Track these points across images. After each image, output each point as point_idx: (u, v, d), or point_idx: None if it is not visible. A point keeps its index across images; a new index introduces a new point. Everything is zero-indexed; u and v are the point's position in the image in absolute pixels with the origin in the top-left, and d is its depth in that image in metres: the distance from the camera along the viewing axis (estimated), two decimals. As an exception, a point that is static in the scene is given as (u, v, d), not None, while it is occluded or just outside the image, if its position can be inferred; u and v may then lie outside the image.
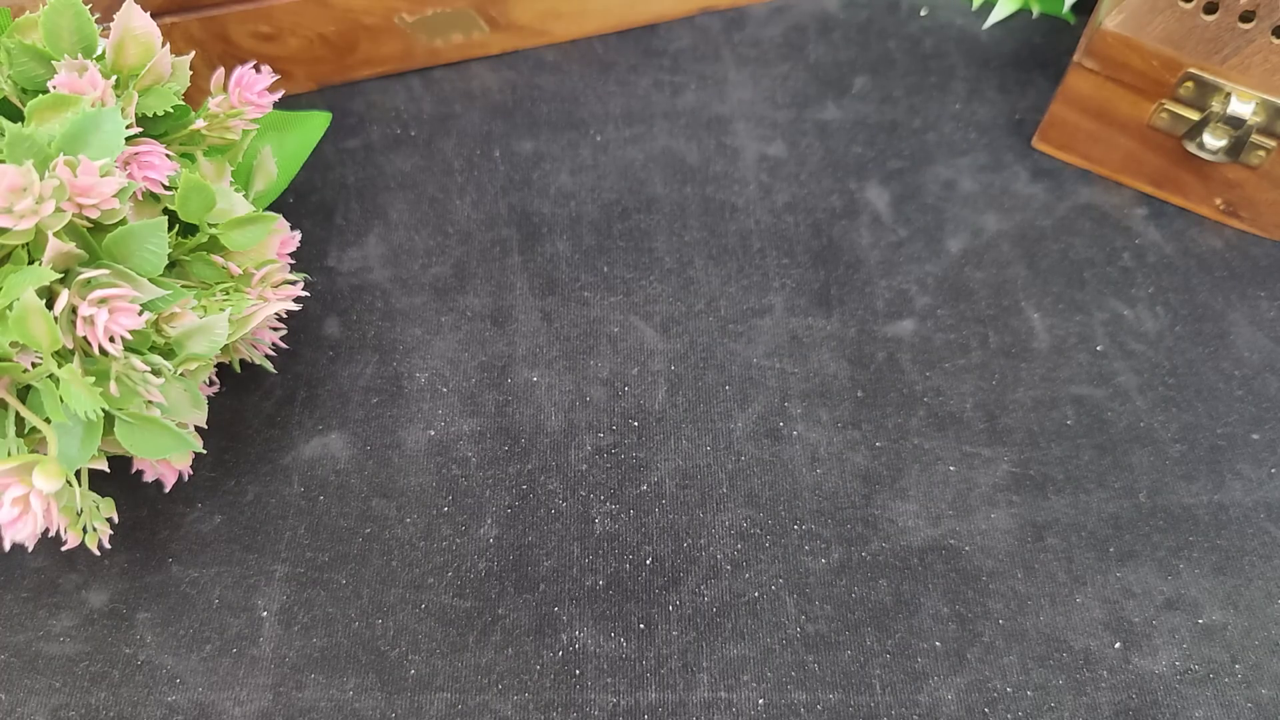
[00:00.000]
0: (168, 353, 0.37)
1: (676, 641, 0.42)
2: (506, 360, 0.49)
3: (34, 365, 0.35)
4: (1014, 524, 0.45)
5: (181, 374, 0.38)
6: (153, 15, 0.42)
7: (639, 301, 0.51)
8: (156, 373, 0.36)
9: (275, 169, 0.45)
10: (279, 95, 0.44)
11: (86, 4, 0.38)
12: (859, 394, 0.48)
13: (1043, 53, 0.61)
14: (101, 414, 0.34)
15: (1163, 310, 0.51)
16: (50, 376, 0.35)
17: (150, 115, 0.39)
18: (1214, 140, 0.50)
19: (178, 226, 0.40)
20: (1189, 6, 0.46)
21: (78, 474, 0.38)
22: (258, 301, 0.41)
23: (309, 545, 0.44)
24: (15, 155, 0.33)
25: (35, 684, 0.40)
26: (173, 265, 0.40)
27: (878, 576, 0.43)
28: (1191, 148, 0.51)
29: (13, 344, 0.34)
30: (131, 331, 0.34)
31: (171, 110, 0.39)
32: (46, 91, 0.37)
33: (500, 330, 0.50)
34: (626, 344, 0.50)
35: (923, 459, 0.46)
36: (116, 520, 0.43)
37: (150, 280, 0.36)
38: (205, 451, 0.45)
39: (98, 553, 0.43)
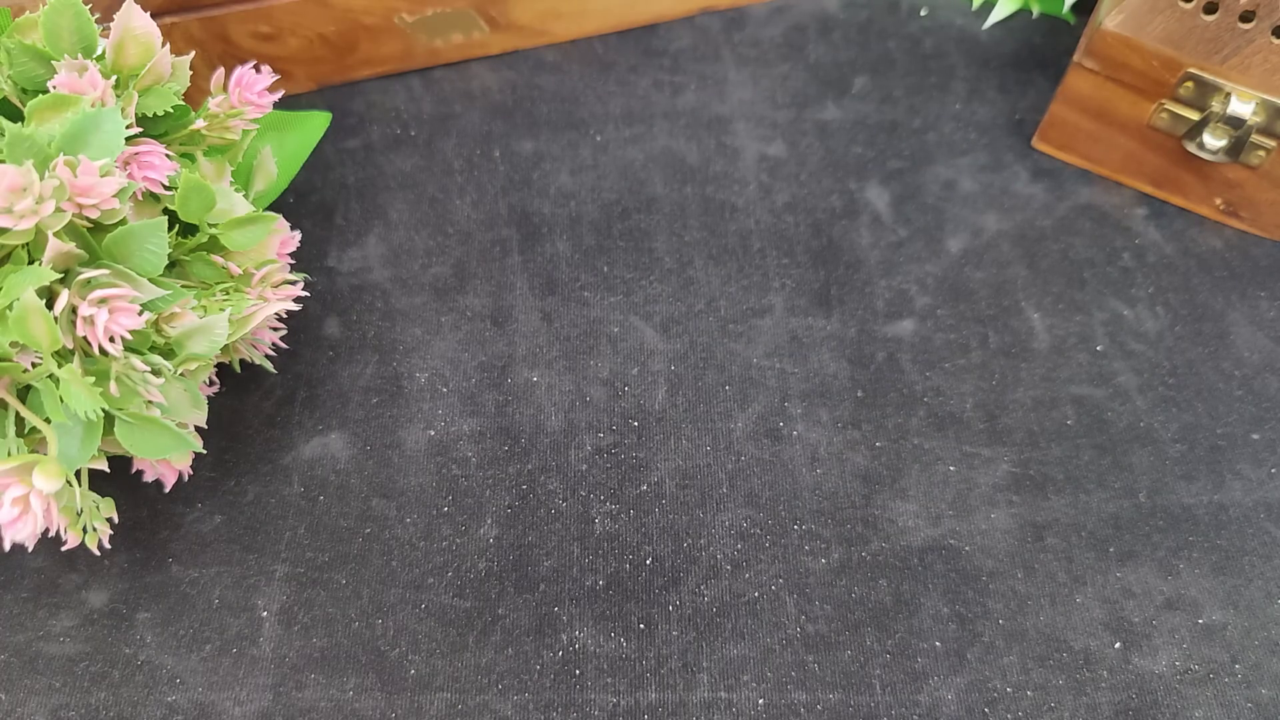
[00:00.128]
0: (168, 353, 0.37)
1: (676, 641, 0.42)
2: (506, 360, 0.49)
3: (34, 365, 0.35)
4: (1014, 524, 0.45)
5: (181, 374, 0.38)
6: (153, 15, 0.42)
7: (639, 301, 0.51)
8: (156, 373, 0.36)
9: (275, 169, 0.45)
10: (279, 95, 0.44)
11: (86, 4, 0.38)
12: (859, 394, 0.48)
13: (1043, 53, 0.61)
14: (101, 414, 0.34)
15: (1163, 310, 0.51)
16: (50, 376, 0.35)
17: (150, 115, 0.39)
18: (1214, 140, 0.50)
19: (178, 226, 0.40)
20: (1189, 6, 0.46)
21: (78, 474, 0.38)
22: (258, 301, 0.41)
23: (309, 545, 0.44)
24: (15, 155, 0.33)
25: (35, 684, 0.40)
26: (173, 265, 0.40)
27: (878, 576, 0.43)
28: (1191, 148, 0.51)
29: (13, 344, 0.34)
30: (131, 331, 0.34)
31: (171, 110, 0.39)
32: (46, 91, 0.37)
33: (500, 330, 0.50)
34: (626, 344, 0.50)
35: (923, 459, 0.46)
36: (116, 520, 0.43)
37: (150, 280, 0.36)
38: (205, 451, 0.45)
39: (98, 553, 0.43)
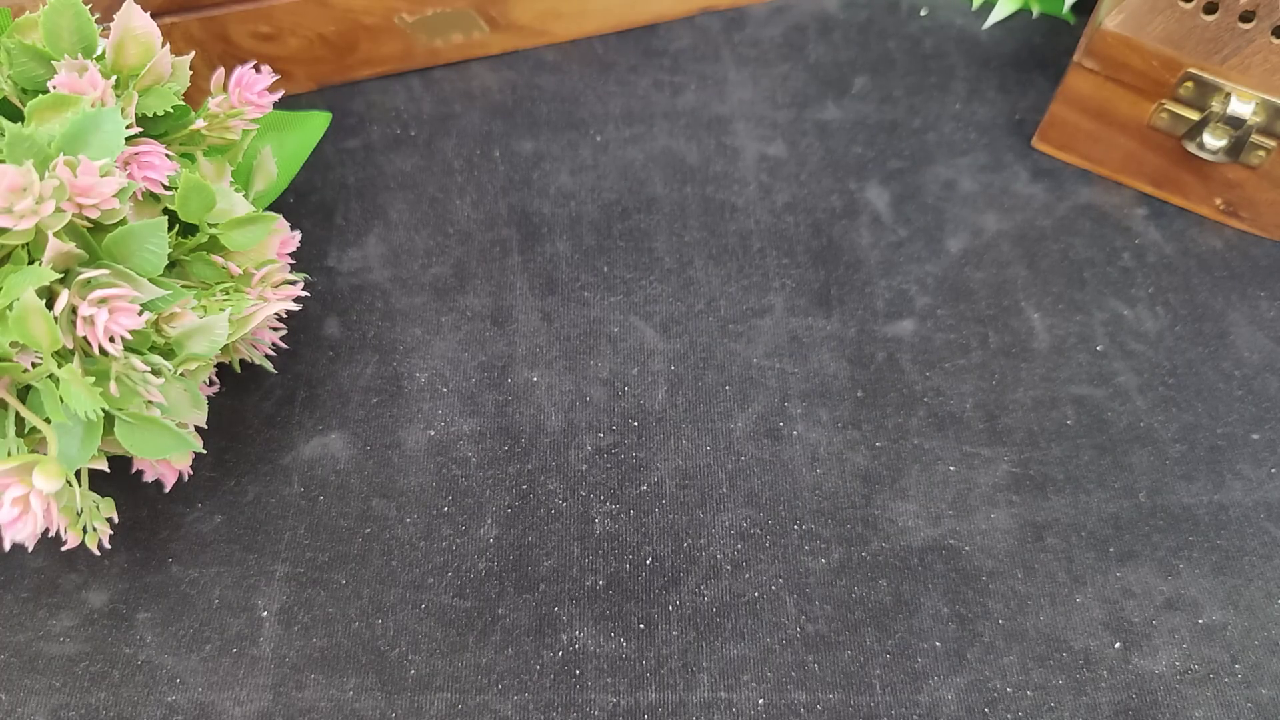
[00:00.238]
0: (168, 353, 0.37)
1: (676, 641, 0.42)
2: (506, 360, 0.49)
3: (34, 365, 0.35)
4: (1014, 524, 0.45)
5: (181, 374, 0.38)
6: (153, 15, 0.42)
7: (639, 301, 0.51)
8: (156, 373, 0.36)
9: (275, 169, 0.45)
10: (279, 95, 0.44)
11: (86, 4, 0.38)
12: (859, 394, 0.48)
13: (1043, 53, 0.61)
14: (101, 414, 0.34)
15: (1163, 310, 0.51)
16: (50, 376, 0.35)
17: (150, 115, 0.39)
18: (1214, 140, 0.50)
19: (178, 226, 0.40)
20: (1189, 6, 0.46)
21: (78, 474, 0.38)
22: (258, 301, 0.41)
23: (309, 545, 0.44)
24: (15, 155, 0.33)
25: (35, 684, 0.40)
26: (173, 265, 0.40)
27: (878, 576, 0.43)
28: (1191, 148, 0.51)
29: (13, 344, 0.34)
30: (131, 331, 0.34)
31: (171, 110, 0.39)
32: (46, 91, 0.37)
33: (500, 330, 0.50)
34: (626, 344, 0.50)
35: (923, 459, 0.46)
36: (116, 520, 0.43)
37: (150, 280, 0.36)
38: (205, 451, 0.45)
39: (98, 553, 0.43)
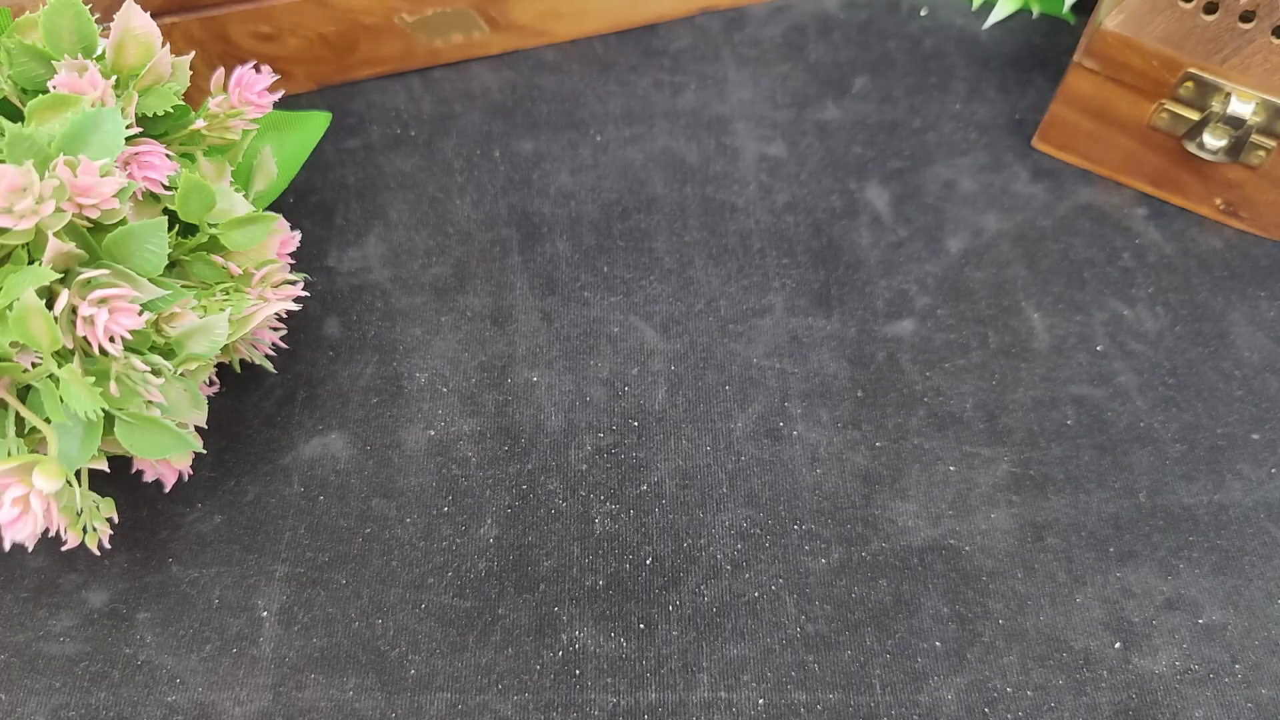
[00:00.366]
0: (168, 353, 0.37)
1: (676, 641, 0.42)
2: (506, 360, 0.49)
3: (34, 365, 0.35)
4: (1014, 524, 0.45)
5: (181, 374, 0.38)
6: (153, 15, 0.42)
7: (639, 301, 0.51)
8: (156, 373, 0.36)
9: (275, 169, 0.45)
10: (279, 95, 0.44)
11: (86, 4, 0.38)
12: (859, 394, 0.48)
13: (1043, 53, 0.61)
14: (101, 414, 0.34)
15: (1163, 310, 0.51)
16: (50, 376, 0.35)
17: (150, 115, 0.39)
18: (1214, 140, 0.50)
19: (178, 226, 0.40)
20: (1189, 6, 0.46)
21: (78, 474, 0.38)
22: (258, 301, 0.41)
23: (309, 545, 0.44)
24: (15, 155, 0.33)
25: (35, 684, 0.40)
26: (173, 265, 0.40)
27: (878, 576, 0.43)
28: (1191, 148, 0.51)
29: (13, 344, 0.34)
30: (131, 331, 0.34)
31: (171, 110, 0.39)
32: (46, 91, 0.37)
33: (500, 330, 0.50)
34: (626, 344, 0.50)
35: (923, 459, 0.46)
36: (116, 520, 0.43)
37: (150, 280, 0.36)
38: (205, 451, 0.45)
39: (98, 553, 0.43)
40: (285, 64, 0.56)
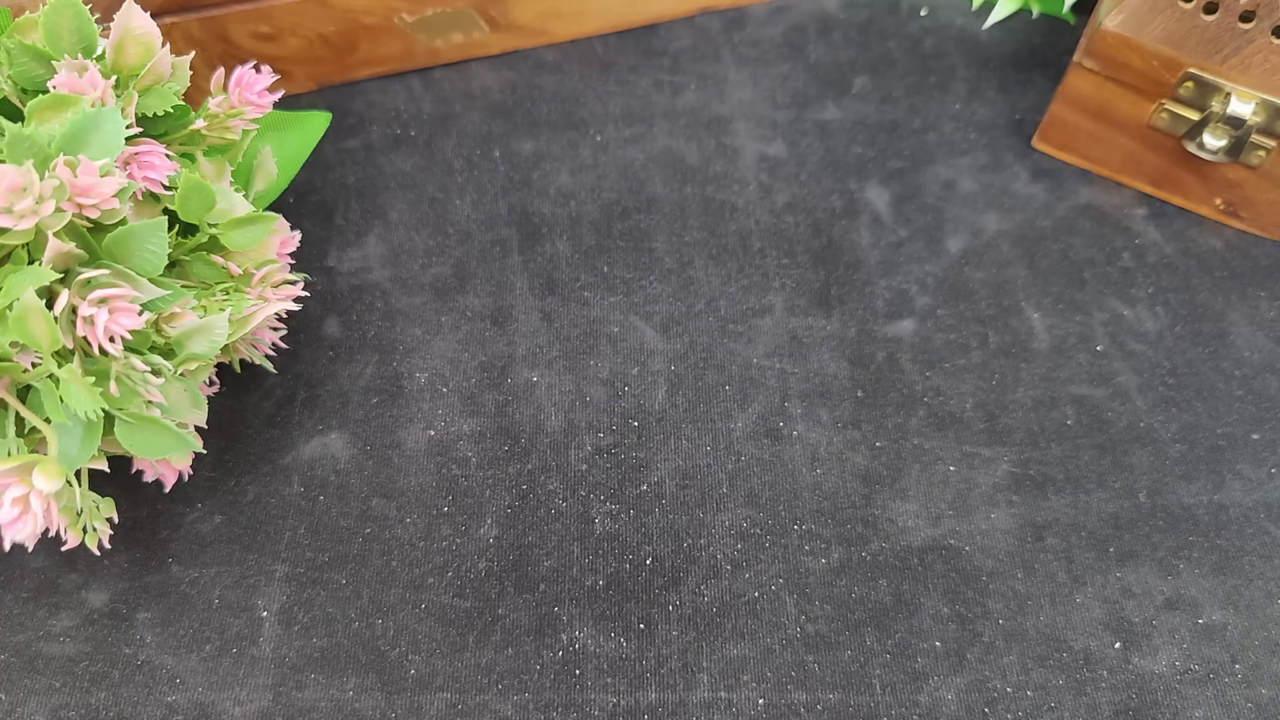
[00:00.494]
0: (168, 353, 0.37)
1: (676, 641, 0.42)
2: (506, 360, 0.49)
3: (34, 365, 0.35)
4: (1014, 524, 0.45)
5: (181, 374, 0.38)
6: (153, 15, 0.42)
7: (639, 301, 0.51)
8: (156, 373, 0.36)
9: (275, 169, 0.45)
10: (279, 95, 0.44)
11: (86, 4, 0.38)
12: (859, 394, 0.48)
13: (1043, 53, 0.61)
14: (101, 414, 0.34)
15: (1163, 310, 0.51)
16: (50, 376, 0.35)
17: (150, 115, 0.39)
18: (1214, 140, 0.50)
19: (178, 226, 0.40)
20: (1189, 6, 0.46)
21: (78, 474, 0.38)
22: (258, 301, 0.41)
23: (309, 545, 0.44)
24: (15, 155, 0.33)
25: (35, 684, 0.40)
26: (173, 265, 0.40)
27: (878, 576, 0.43)
28: (1191, 148, 0.51)
29: (13, 344, 0.34)
30: (131, 331, 0.34)
31: (171, 110, 0.39)
32: (46, 91, 0.37)
33: (500, 330, 0.50)
34: (626, 344, 0.50)
35: (923, 459, 0.46)
36: (116, 520, 0.43)
37: (150, 280, 0.36)
38: (205, 451, 0.45)
39: (98, 553, 0.43)
40: (285, 64, 0.56)
